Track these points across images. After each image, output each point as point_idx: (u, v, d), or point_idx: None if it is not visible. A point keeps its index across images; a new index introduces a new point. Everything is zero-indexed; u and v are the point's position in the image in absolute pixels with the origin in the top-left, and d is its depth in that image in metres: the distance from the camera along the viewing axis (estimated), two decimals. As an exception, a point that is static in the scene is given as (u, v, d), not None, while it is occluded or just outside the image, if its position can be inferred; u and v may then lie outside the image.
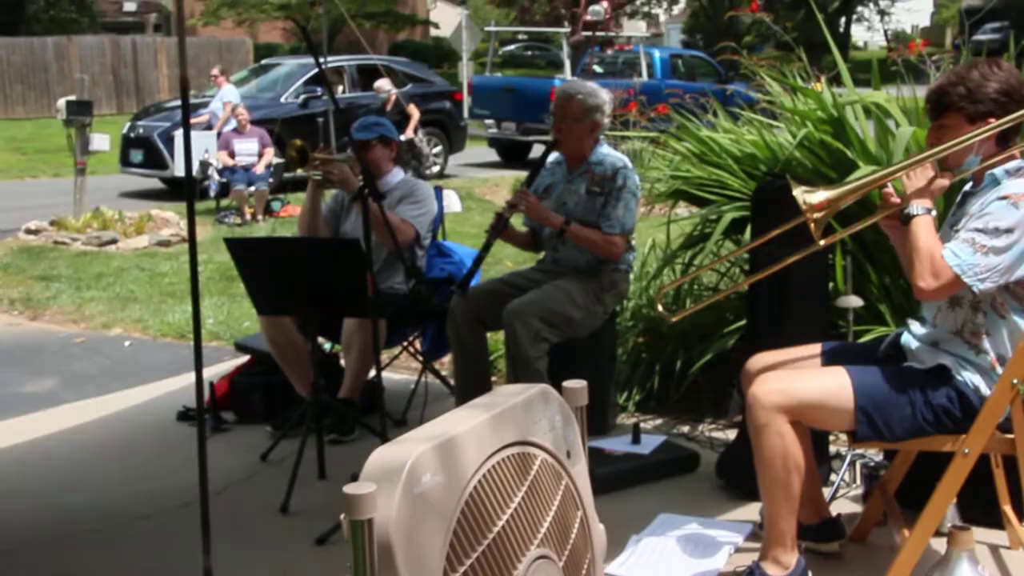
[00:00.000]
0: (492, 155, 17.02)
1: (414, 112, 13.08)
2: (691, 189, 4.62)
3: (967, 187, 2.97)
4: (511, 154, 16.48)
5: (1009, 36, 4.70)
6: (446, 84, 16.22)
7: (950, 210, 3.04)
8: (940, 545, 2.93)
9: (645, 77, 16.24)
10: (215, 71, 13.69)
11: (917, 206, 2.80)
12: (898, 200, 2.91)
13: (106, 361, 6.03)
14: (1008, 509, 3.14)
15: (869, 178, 2.92)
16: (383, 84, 13.03)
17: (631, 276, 4.47)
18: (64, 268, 8.66)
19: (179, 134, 12.27)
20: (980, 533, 3.17)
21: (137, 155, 13.30)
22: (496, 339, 5.03)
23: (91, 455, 4.44)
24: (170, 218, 10.63)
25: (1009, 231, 2.68)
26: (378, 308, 3.74)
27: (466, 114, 16.35)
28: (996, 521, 3.23)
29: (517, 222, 4.51)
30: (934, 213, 2.82)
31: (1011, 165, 2.82)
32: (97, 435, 4.71)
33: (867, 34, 41.31)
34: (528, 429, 1.36)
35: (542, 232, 4.33)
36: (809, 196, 2.84)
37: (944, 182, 2.87)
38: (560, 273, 4.18)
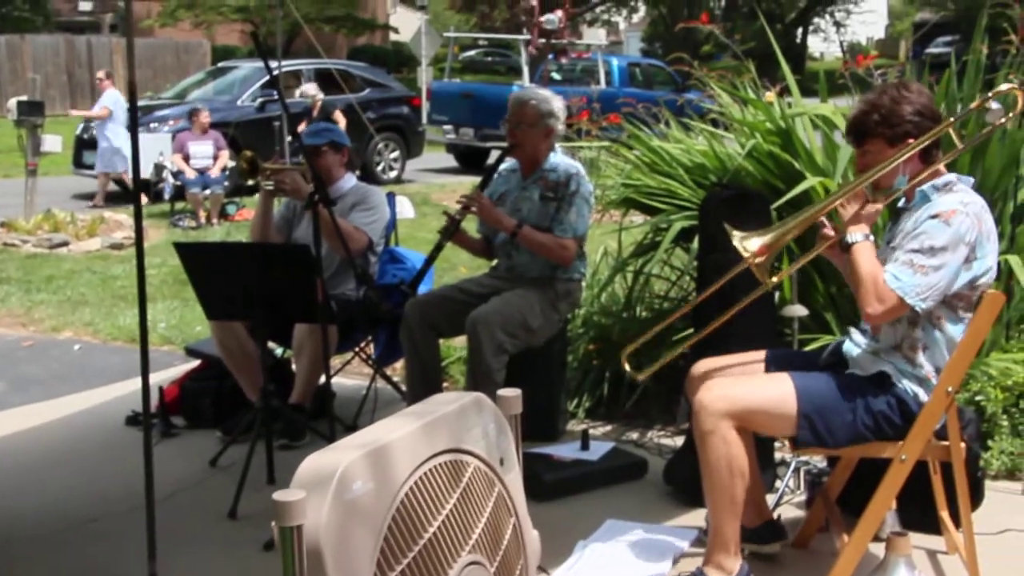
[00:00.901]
0: (450, 161, 17.02)
1: (340, 119, 12.77)
2: (641, 198, 4.67)
3: (900, 204, 3.05)
4: (469, 160, 16.49)
5: (963, 49, 4.80)
6: (404, 89, 16.21)
7: (885, 227, 3.13)
8: (880, 551, 2.99)
9: (603, 85, 16.33)
10: (100, 74, 13.41)
11: (855, 234, 2.89)
12: (832, 233, 3.00)
13: (54, 365, 5.97)
14: (945, 515, 3.20)
15: (804, 215, 3.00)
16: (308, 89, 12.81)
17: (583, 284, 4.51)
18: (13, 271, 8.56)
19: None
20: (919, 539, 3.25)
21: (91, 156, 13.16)
22: (448, 345, 5.05)
23: (38, 459, 4.39)
24: (123, 221, 10.53)
25: (944, 249, 2.77)
26: (328, 314, 3.75)
27: (424, 119, 16.34)
28: (935, 527, 3.29)
29: (472, 228, 4.53)
30: (871, 238, 2.90)
31: (939, 181, 2.91)
32: (45, 439, 4.67)
33: (823, 45, 41.76)
34: (461, 437, 1.39)
35: (495, 239, 4.35)
36: (747, 243, 2.92)
37: (877, 206, 2.96)
38: (514, 280, 4.21)
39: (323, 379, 4.12)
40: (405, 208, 10.75)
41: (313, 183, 3.78)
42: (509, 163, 4.37)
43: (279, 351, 4.93)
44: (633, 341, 4.60)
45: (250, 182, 4.41)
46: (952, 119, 2.94)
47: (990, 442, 3.89)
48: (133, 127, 3.23)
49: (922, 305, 2.78)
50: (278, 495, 1.17)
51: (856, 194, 2.92)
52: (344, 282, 4.60)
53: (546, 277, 4.19)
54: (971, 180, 2.95)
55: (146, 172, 11.76)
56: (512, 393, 1.54)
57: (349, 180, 4.80)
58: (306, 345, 4.34)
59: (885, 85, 3.01)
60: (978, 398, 3.95)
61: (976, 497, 3.47)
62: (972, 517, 3.04)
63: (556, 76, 17.01)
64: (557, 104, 4.23)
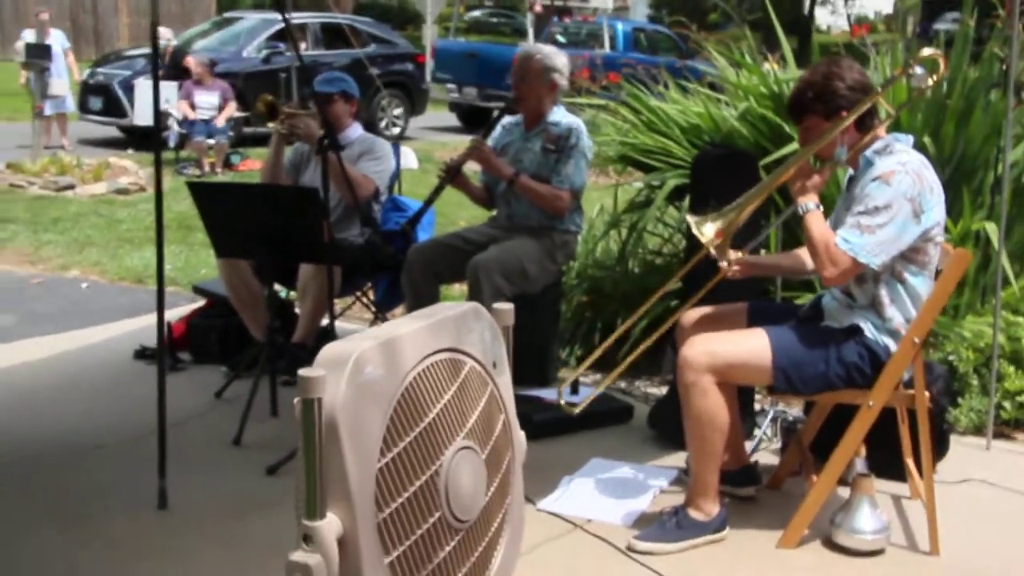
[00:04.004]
0: (453, 119, 17.12)
1: (194, 66, 12.18)
2: (638, 155, 4.84)
3: (849, 173, 3.23)
4: (472, 119, 16.56)
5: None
6: (409, 46, 16.26)
7: (840, 197, 3.31)
8: (847, 494, 3.19)
9: (607, 49, 16.39)
10: (44, 16, 12.68)
11: (804, 204, 3.07)
12: (727, 269, 3.18)
13: (63, 301, 6.15)
14: (910, 462, 3.39)
15: (755, 193, 3.17)
16: (164, 32, 12.41)
17: (579, 238, 4.68)
18: (21, 211, 8.71)
19: (139, 83, 12.28)
20: (885, 485, 3.44)
21: (96, 103, 13.26)
22: (445, 292, 5.23)
23: (49, 388, 4.58)
24: (128, 166, 10.67)
25: (887, 207, 2.95)
26: (333, 255, 3.92)
27: (428, 78, 16.41)
28: (901, 474, 3.49)
29: (476, 177, 4.69)
30: (821, 207, 3.08)
31: (878, 145, 3.10)
32: (55, 370, 4.85)
33: (831, 18, 41.60)
34: (461, 339, 1.57)
35: (497, 188, 4.51)
36: (703, 228, 3.09)
37: (821, 178, 3.14)
38: (513, 229, 4.37)
39: (326, 320, 4.29)
40: (409, 159, 10.87)
41: (323, 129, 3.93)
42: (513, 117, 4.51)
43: (283, 293, 5.10)
44: (625, 294, 4.82)
45: (269, 125, 4.55)
46: (880, 89, 3.13)
47: (960, 399, 4.08)
48: (154, 73, 3.38)
49: (875, 261, 2.96)
50: (303, 371, 1.34)
51: (801, 168, 3.10)
52: (348, 227, 4.75)
53: (544, 227, 4.35)
54: (910, 139, 3.14)
55: (150, 119, 11.87)
56: (506, 307, 1.72)
57: (356, 130, 4.95)
58: (310, 286, 4.50)
59: (818, 63, 3.19)
60: (951, 358, 4.14)
61: (941, 449, 3.67)
62: (937, 467, 3.23)
63: (561, 39, 17.07)
64: (562, 60, 4.37)
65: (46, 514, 3.34)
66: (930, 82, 3.21)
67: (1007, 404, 4.06)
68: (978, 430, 4.04)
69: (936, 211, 3.02)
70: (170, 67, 12.39)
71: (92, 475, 3.66)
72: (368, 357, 1.38)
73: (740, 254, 3.23)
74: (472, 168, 4.54)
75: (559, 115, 4.40)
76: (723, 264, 3.16)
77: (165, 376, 3.41)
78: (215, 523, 3.28)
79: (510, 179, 4.29)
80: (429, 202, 4.49)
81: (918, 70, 3.18)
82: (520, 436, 1.72)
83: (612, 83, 5.69)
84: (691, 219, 3.11)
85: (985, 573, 3.01)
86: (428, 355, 1.49)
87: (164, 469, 3.36)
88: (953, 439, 3.82)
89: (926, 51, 3.18)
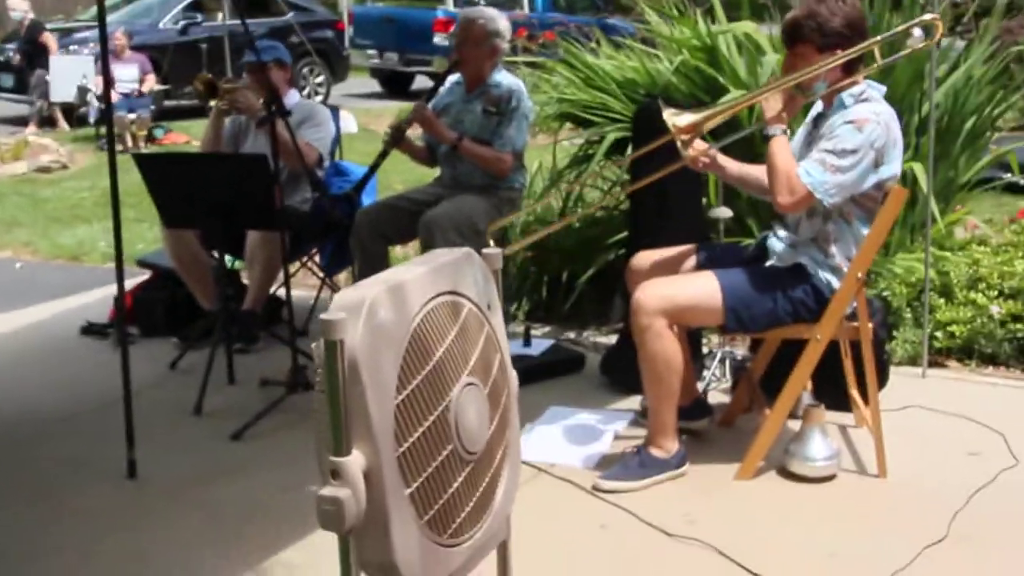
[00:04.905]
0: (375, 86, 17.00)
1: (51, 42, 12.14)
2: (577, 111, 4.93)
3: (819, 109, 3.34)
4: (394, 85, 16.48)
5: None
6: (328, 13, 16.10)
7: (804, 129, 3.42)
8: (797, 427, 3.35)
9: (527, 10, 16.40)
10: None
11: (774, 128, 3.17)
12: (692, 153, 3.23)
13: (-1, 282, 6.07)
14: (854, 392, 3.57)
15: (732, 102, 3.27)
16: (17, 3, 12.14)
17: (524, 194, 4.76)
18: (-60, 193, 8.52)
19: (53, 59, 12.00)
20: (831, 416, 3.60)
21: (7, 80, 12.91)
22: (391, 254, 5.28)
23: (0, 366, 4.54)
24: (48, 144, 10.44)
25: (855, 151, 3.07)
26: (284, 220, 3.95)
27: (347, 44, 16.26)
28: (846, 406, 3.66)
29: (416, 140, 4.74)
30: (788, 133, 3.19)
31: (856, 90, 3.20)
32: (5, 348, 4.80)
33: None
34: (458, 282, 1.65)
35: (438, 148, 4.57)
36: (677, 119, 3.17)
37: (797, 105, 3.25)
38: (458, 188, 4.43)
39: (280, 286, 4.32)
40: (349, 123, 10.82)
41: (267, 96, 3.94)
42: (454, 76, 4.56)
43: (229, 262, 5.10)
44: (568, 248, 4.92)
45: (211, 103, 4.54)
46: (879, 38, 3.22)
47: (895, 332, 4.28)
48: (103, 49, 3.36)
49: (829, 200, 3.09)
50: (325, 315, 1.41)
51: (781, 91, 3.20)
52: (293, 194, 4.77)
53: (489, 185, 4.42)
54: (883, 89, 3.25)
55: (69, 96, 11.64)
56: (495, 251, 1.81)
57: (294, 96, 4.95)
58: (258, 254, 4.53)
59: None
60: (885, 293, 4.33)
61: (882, 379, 3.84)
62: (879, 397, 3.40)
63: (480, 1, 17.01)
64: (503, 24, 4.43)
65: (14, 489, 3.34)
66: (922, 45, 3.32)
67: (939, 334, 4.26)
68: (912, 360, 4.23)
69: (895, 164, 3.14)
70: (25, 42, 12.04)
71: (57, 449, 3.67)
72: (380, 301, 1.46)
73: (707, 146, 3.30)
74: (413, 130, 4.58)
75: (500, 76, 4.46)
76: (687, 154, 3.20)
77: (128, 346, 3.44)
78: (187, 490, 3.32)
79: (453, 143, 4.35)
80: (374, 167, 4.54)
81: (916, 32, 3.29)
82: (513, 374, 1.82)
83: (549, 41, 5.76)
84: (668, 110, 3.17)
85: (929, 491, 3.19)
86: (431, 298, 1.57)
87: (132, 439, 3.38)
88: (891, 369, 4.01)
89: (927, 15, 3.28)
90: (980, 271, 4.42)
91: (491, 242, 4.22)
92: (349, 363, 1.38)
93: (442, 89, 4.56)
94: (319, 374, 1.41)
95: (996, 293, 4.30)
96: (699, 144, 3.26)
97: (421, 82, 16.44)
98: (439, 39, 15.34)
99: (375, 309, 1.42)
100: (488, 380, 1.65)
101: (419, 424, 1.50)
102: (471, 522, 1.67)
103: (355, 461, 1.44)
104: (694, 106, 4.22)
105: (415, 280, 1.52)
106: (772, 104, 3.19)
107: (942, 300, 4.35)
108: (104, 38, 3.36)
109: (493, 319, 1.68)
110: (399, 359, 1.46)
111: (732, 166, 3.40)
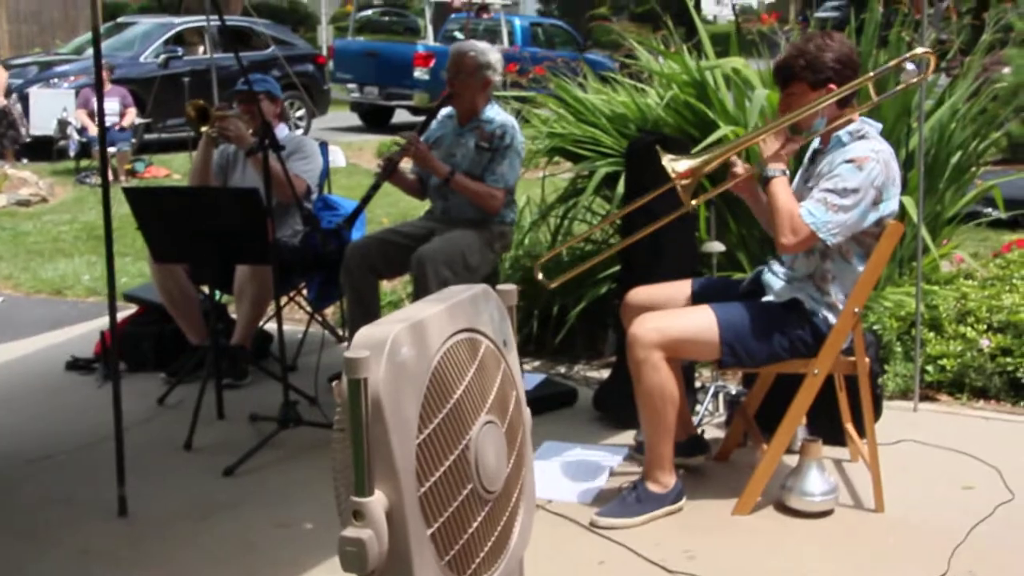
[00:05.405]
0: (355, 120, 17.04)
1: (1, 73, 11.80)
2: (568, 146, 4.94)
3: (816, 146, 3.36)
4: (374, 119, 16.53)
5: (849, 12, 5.17)
6: (308, 47, 16.14)
7: (801, 167, 3.44)
8: (793, 461, 3.35)
9: (506, 45, 16.50)
10: None
11: (773, 168, 3.19)
12: (742, 171, 3.28)
13: (-20, 317, 5.99)
14: (850, 426, 3.57)
15: (730, 146, 3.29)
16: None
17: (514, 229, 4.76)
18: (-81, 227, 8.43)
19: (34, 91, 11.96)
20: (826, 450, 3.60)
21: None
22: (383, 288, 5.26)
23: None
24: (28, 178, 10.38)
25: (855, 191, 3.09)
26: (277, 254, 3.92)
27: (328, 78, 16.29)
28: (841, 439, 3.66)
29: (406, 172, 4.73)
30: (788, 173, 3.20)
31: (852, 127, 3.23)
32: (-14, 385, 4.75)
33: (716, 8, 42.52)
34: (475, 319, 1.64)
35: (429, 180, 4.56)
36: (676, 165, 3.19)
37: (795, 145, 3.26)
38: (450, 222, 4.43)
39: (270, 321, 4.28)
40: (337, 157, 10.83)
41: (261, 128, 3.93)
42: (446, 109, 4.57)
43: (217, 296, 5.07)
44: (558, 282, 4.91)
45: (203, 129, 4.52)
46: (872, 73, 3.25)
47: (886, 366, 4.29)
48: (98, 80, 3.34)
49: (832, 240, 3.10)
50: (348, 353, 1.39)
51: (778, 132, 3.22)
52: (282, 227, 4.75)
53: (481, 220, 4.42)
54: (879, 126, 3.28)
55: (48, 129, 11.59)
56: (510, 287, 1.80)
57: (283, 130, 4.95)
58: (248, 288, 4.50)
59: (811, 33, 3.30)
60: (876, 327, 4.35)
61: (876, 412, 3.85)
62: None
63: (459, 36, 17.11)
64: (494, 56, 4.44)
65: (2, 527, 3.29)
66: (916, 79, 3.35)
67: (929, 368, 4.28)
68: (904, 394, 4.24)
69: (893, 201, 3.16)
70: None
71: (46, 486, 3.62)
72: (401, 339, 1.44)
73: (751, 167, 3.31)
74: (404, 162, 4.57)
75: (493, 112, 4.46)
76: (687, 203, 3.21)
77: (120, 381, 3.40)
78: (178, 527, 3.27)
79: (446, 178, 4.35)
80: (366, 200, 4.53)
81: (909, 66, 3.32)
82: (527, 411, 1.80)
83: (540, 76, 5.79)
84: (665, 156, 3.18)
85: (927, 526, 3.19)
86: (450, 336, 1.55)
87: (123, 476, 3.34)
88: (883, 403, 4.01)
89: (920, 49, 3.31)
90: (968, 305, 4.45)
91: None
92: (372, 401, 1.36)
93: (433, 123, 4.56)
94: (339, 412, 1.39)
95: (985, 327, 4.32)
96: (743, 165, 3.29)
97: (401, 116, 16.50)
98: (419, 73, 15.44)
99: (397, 347, 1.40)
100: (505, 418, 1.63)
101: (440, 463, 1.48)
102: (488, 563, 1.65)
103: (378, 501, 1.41)
104: (685, 151, 4.26)
105: (433, 317, 1.51)
106: (770, 145, 3.21)
107: (932, 334, 4.38)
108: (99, 69, 3.34)
109: (509, 356, 1.67)
110: (420, 397, 1.44)
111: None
